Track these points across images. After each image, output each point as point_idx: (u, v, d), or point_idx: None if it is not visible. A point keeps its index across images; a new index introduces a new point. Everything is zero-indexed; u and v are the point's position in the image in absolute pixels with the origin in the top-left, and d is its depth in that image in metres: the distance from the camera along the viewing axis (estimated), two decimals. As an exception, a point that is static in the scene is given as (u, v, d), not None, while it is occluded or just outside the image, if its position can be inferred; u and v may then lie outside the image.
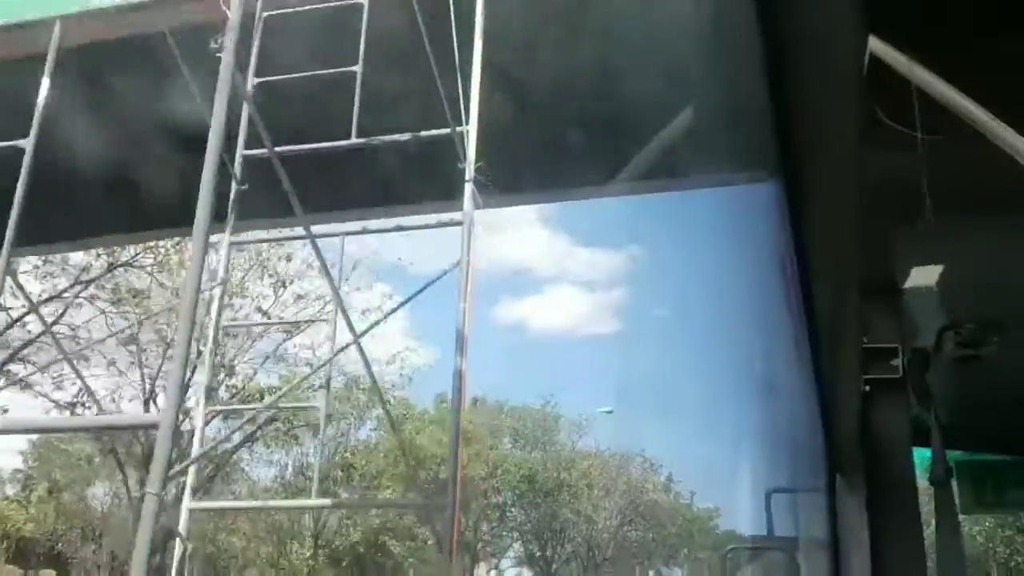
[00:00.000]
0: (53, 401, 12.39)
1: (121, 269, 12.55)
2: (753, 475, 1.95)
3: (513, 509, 23.77)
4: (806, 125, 1.31)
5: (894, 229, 1.46)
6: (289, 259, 14.83)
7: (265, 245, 13.32)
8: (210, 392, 13.91)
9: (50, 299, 11.96)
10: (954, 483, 1.63)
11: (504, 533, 24.62)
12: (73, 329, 12.38)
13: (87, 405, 12.34)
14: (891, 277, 1.54)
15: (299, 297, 15.18)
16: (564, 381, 27.87)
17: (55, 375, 11.99)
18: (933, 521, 1.64)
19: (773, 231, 1.48)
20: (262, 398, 14.52)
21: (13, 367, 11.89)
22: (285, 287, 15.03)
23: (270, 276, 14.74)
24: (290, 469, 19.12)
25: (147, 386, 14.01)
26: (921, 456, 1.67)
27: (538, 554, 26.08)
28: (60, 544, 16.42)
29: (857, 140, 1.19)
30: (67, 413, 12.19)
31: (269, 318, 14.81)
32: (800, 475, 1.87)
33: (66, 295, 12.33)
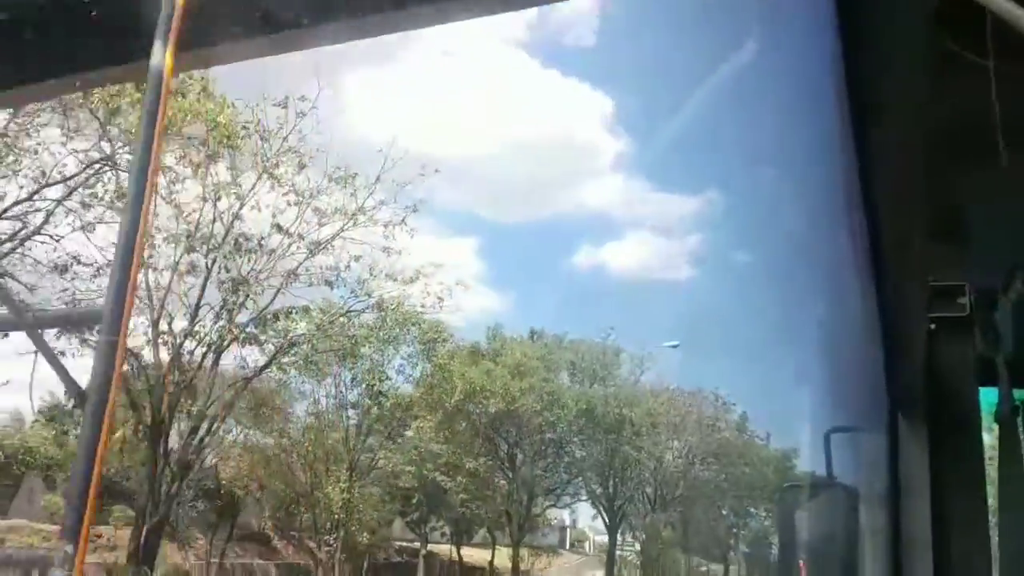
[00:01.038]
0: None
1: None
2: (813, 414, 2.14)
3: (571, 445, 24.71)
4: (874, 51, 1.40)
5: (964, 165, 1.55)
6: (302, 167, 14.89)
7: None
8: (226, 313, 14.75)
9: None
10: (1019, 422, 1.76)
11: (562, 469, 25.71)
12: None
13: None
14: (959, 215, 1.64)
15: (318, 212, 15.36)
16: (635, 322, 28.84)
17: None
18: (996, 461, 1.79)
19: (837, 168, 1.59)
20: (277, 319, 15.17)
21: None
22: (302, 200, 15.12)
23: (281, 187, 14.91)
24: (323, 400, 19.81)
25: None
26: (986, 396, 1.81)
27: (599, 491, 27.45)
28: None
29: (926, 68, 1.28)
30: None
31: (289, 235, 15.10)
32: (861, 415, 2.04)
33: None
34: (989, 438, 1.83)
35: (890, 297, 1.70)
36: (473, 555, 28.03)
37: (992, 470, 1.80)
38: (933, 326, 1.74)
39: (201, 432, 14.77)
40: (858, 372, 1.99)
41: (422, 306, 17.05)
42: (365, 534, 18.47)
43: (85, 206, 12.87)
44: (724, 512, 32.01)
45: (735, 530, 32.96)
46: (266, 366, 15.60)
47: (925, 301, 1.71)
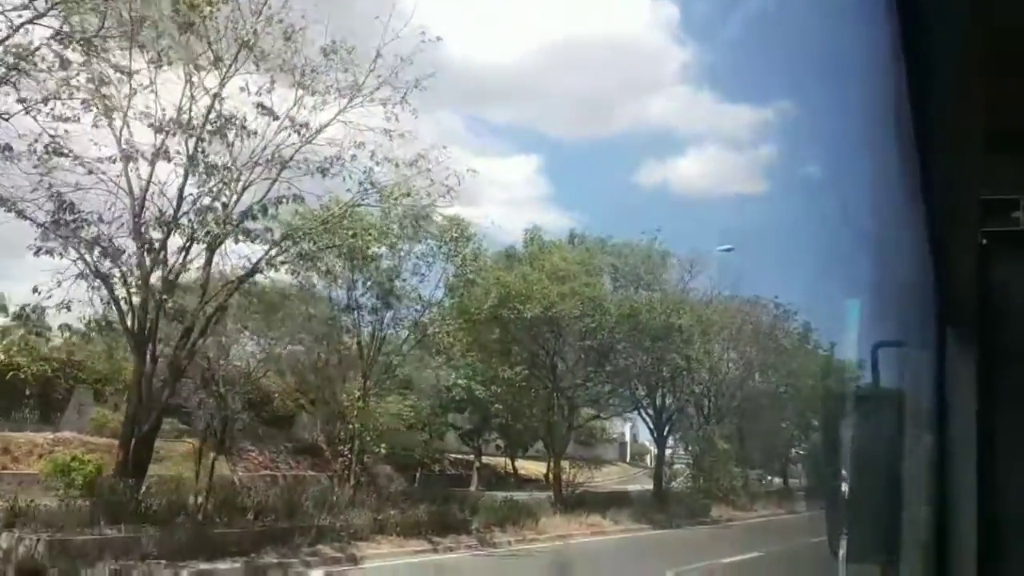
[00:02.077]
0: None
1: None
2: (863, 328, 2.32)
3: (614, 354, 25.32)
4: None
5: (1018, 74, 1.62)
6: (288, 38, 14.79)
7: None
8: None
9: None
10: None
11: (604, 378, 26.45)
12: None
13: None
14: (1011, 125, 1.73)
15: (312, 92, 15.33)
16: (692, 234, 29.56)
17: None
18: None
19: (888, 79, 1.68)
20: (265, 212, 15.17)
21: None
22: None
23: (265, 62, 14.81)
24: (336, 304, 20.39)
25: None
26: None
27: (646, 401, 28.39)
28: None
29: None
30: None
31: (276, 117, 15.07)
32: (910, 330, 2.22)
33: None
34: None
35: (941, 211, 1.83)
36: (528, 467, 30.92)
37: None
38: (984, 241, 1.87)
39: (194, 335, 15.04)
40: (907, 288, 2.14)
41: (428, 195, 16.89)
42: (382, 445, 19.33)
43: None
44: (784, 425, 33.10)
45: (796, 443, 34.18)
46: (258, 263, 15.77)
47: (976, 215, 1.83)
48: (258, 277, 16.32)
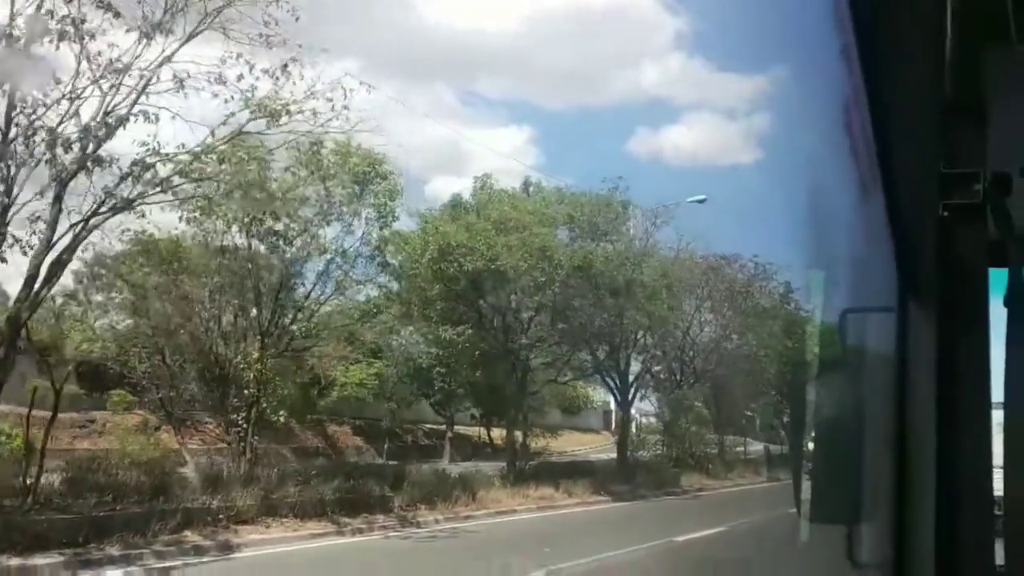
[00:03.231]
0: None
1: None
2: (829, 296, 2.63)
3: (569, 312, 25.90)
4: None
5: (980, 50, 1.89)
6: None
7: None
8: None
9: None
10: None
11: (557, 338, 27.01)
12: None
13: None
14: (974, 100, 2.00)
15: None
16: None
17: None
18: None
19: (847, 44, 1.93)
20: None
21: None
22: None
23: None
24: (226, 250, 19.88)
25: None
26: (997, 280, 2.28)
27: (608, 364, 29.12)
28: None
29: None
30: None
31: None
32: (874, 298, 2.54)
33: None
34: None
35: (901, 184, 2.11)
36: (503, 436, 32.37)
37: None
38: (945, 213, 2.15)
39: (38, 284, 14.66)
40: (871, 258, 2.44)
41: (313, 113, 16.34)
42: (281, 413, 19.64)
43: None
44: (764, 388, 34.62)
45: (777, 408, 35.76)
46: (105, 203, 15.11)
47: (937, 188, 2.11)
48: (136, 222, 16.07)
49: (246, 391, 18.77)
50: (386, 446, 27.62)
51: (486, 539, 17.23)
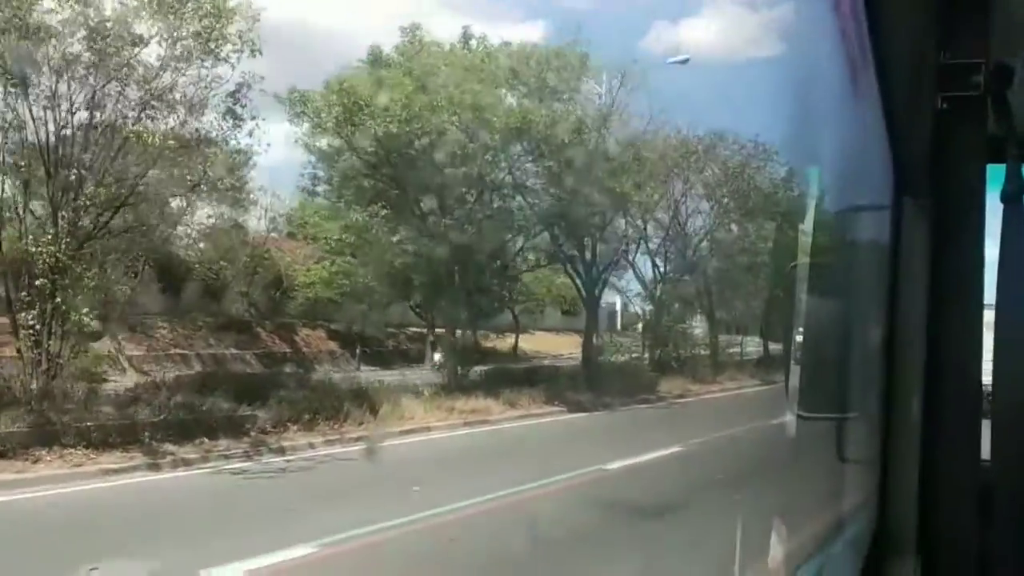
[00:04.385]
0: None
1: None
2: (822, 194, 3.12)
3: (511, 188, 26.45)
4: None
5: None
6: None
7: None
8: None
9: None
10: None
11: (498, 220, 27.32)
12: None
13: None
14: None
15: None
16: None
17: None
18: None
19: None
20: None
21: None
22: None
23: None
24: None
25: None
26: (994, 176, 2.78)
27: (570, 253, 29.87)
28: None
29: None
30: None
31: None
32: (866, 193, 3.05)
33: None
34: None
35: (898, 76, 2.56)
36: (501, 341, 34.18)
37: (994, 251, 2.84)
38: (944, 106, 2.62)
39: None
40: (866, 153, 2.94)
41: None
42: (84, 312, 19.64)
43: None
44: (763, 283, 35.86)
45: (778, 304, 37.03)
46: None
47: (936, 80, 2.57)
48: None
49: (40, 281, 17.70)
50: (358, 351, 29.45)
51: (348, 472, 16.86)
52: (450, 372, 25.66)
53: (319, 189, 26.12)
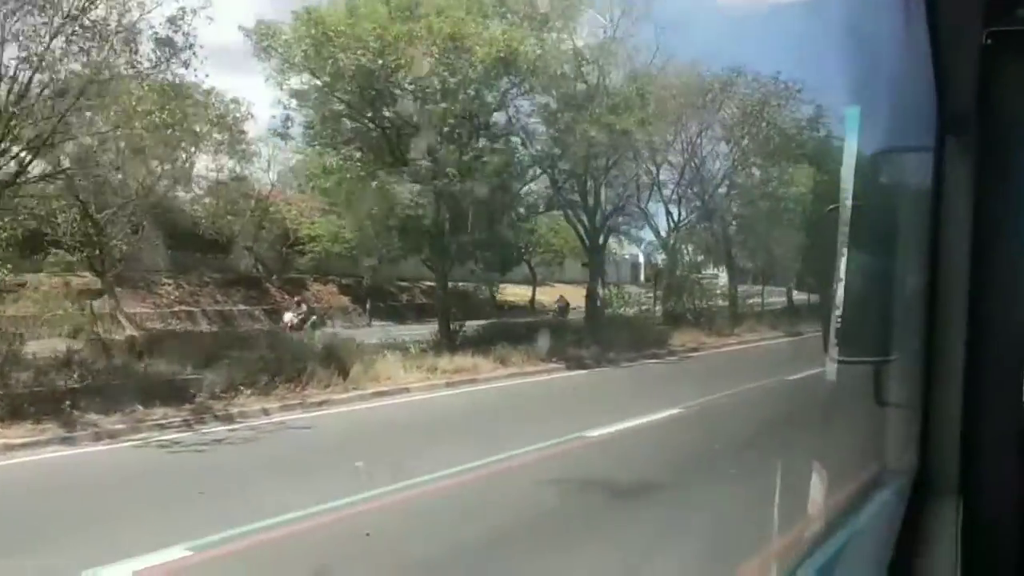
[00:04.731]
0: None
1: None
2: (864, 135, 3.38)
3: (496, 128, 26.37)
4: None
5: None
6: None
7: None
8: None
9: None
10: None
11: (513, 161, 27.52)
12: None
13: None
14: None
15: None
16: None
17: None
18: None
19: None
20: None
21: None
22: None
23: None
24: None
25: None
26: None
27: (570, 197, 30.11)
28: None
29: None
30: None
31: None
32: (910, 136, 3.31)
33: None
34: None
35: (942, 10, 2.75)
36: (519, 293, 36.11)
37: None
38: (989, 41, 2.84)
39: None
40: (909, 92, 3.20)
41: None
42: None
43: None
44: (788, 230, 36.36)
45: (804, 252, 37.78)
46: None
47: (981, 13, 2.77)
48: None
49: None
50: (368, 306, 31.01)
51: (294, 442, 16.38)
52: (441, 328, 26.05)
53: (293, 132, 26.16)
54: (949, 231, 3.17)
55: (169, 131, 20.57)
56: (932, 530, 3.13)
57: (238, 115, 23.49)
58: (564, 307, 34.15)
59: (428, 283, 32.93)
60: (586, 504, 11.71)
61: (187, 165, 22.42)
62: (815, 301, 36.39)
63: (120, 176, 20.73)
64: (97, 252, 19.99)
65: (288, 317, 25.43)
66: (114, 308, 21.87)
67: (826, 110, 32.67)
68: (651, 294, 36.14)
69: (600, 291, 32.53)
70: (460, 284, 33.17)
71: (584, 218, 30.71)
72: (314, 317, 25.29)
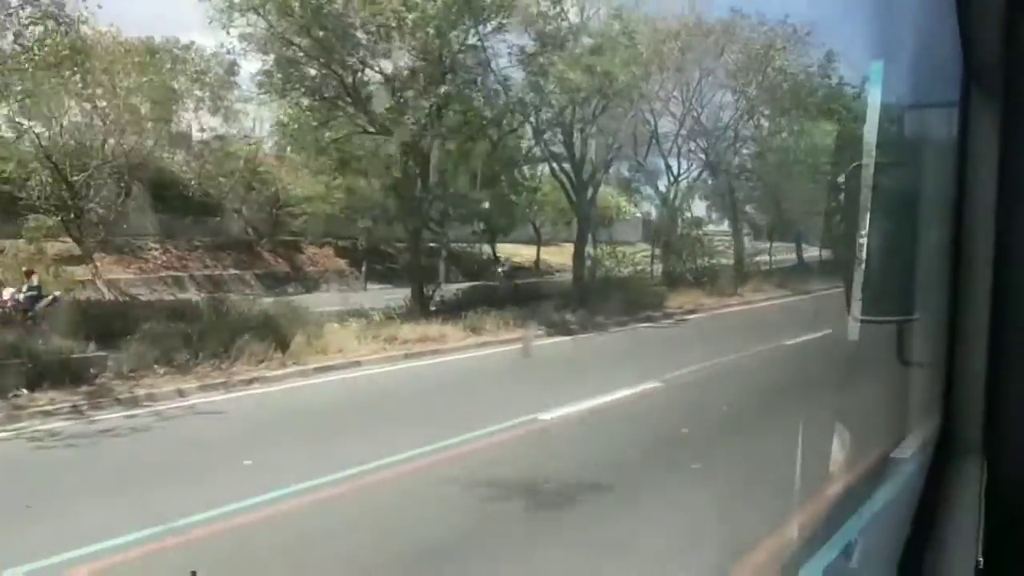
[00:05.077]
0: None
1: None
2: (887, 91, 3.66)
3: (461, 69, 26.45)
4: None
5: None
6: None
7: None
8: None
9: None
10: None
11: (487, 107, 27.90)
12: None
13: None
14: None
15: None
16: None
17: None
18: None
19: None
20: None
21: None
22: None
23: None
24: None
25: None
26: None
27: (555, 148, 30.44)
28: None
29: None
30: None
31: None
32: (935, 91, 3.58)
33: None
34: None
35: None
36: (523, 253, 37.69)
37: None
38: None
39: None
40: (934, 46, 3.48)
41: None
42: None
43: None
44: (799, 183, 36.87)
45: (815, 207, 38.35)
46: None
47: None
48: None
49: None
50: (363, 269, 32.31)
51: (194, 432, 15.44)
52: (414, 292, 26.59)
53: (239, 80, 26.39)
54: (974, 186, 3.42)
55: (145, 88, 21.70)
56: (955, 490, 3.41)
57: (220, 72, 24.84)
58: (510, 270, 34.45)
59: (432, 245, 33.95)
60: (514, 507, 10.74)
61: (168, 124, 23.36)
62: (827, 258, 37.13)
63: (101, 138, 21.76)
64: (72, 216, 21.19)
65: (8, 294, 21.92)
66: (94, 274, 22.83)
67: (838, 56, 33.16)
68: (648, 253, 36.58)
69: (591, 251, 33.16)
70: (459, 245, 34.62)
71: (571, 169, 31.06)
72: (50, 296, 21.70)
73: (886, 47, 3.59)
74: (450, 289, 29.14)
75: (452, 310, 25.98)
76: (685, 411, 15.76)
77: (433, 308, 26.43)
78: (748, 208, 38.80)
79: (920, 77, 3.72)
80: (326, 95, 25.09)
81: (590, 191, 31.70)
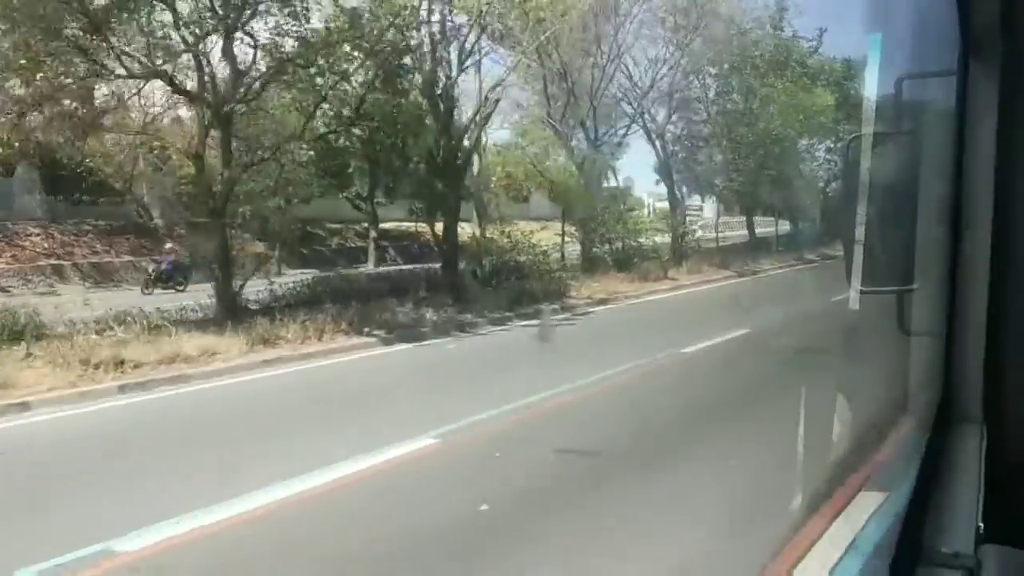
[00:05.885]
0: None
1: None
2: (884, 60, 4.41)
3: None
4: None
5: None
6: None
7: None
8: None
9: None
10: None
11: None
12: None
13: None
14: None
15: None
16: None
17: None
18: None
19: None
20: None
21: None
22: None
23: None
24: None
25: None
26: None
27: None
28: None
29: None
30: None
31: None
32: (933, 60, 4.22)
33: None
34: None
35: None
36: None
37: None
38: None
39: None
40: (931, 13, 4.13)
41: None
42: None
43: None
44: (790, 153, 38.25)
45: (807, 178, 39.86)
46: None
47: None
48: None
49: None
50: (276, 253, 34.08)
51: None
52: (217, 290, 27.09)
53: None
54: (973, 158, 4.09)
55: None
56: (955, 458, 4.05)
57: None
58: (171, 269, 31.64)
59: (365, 225, 36.88)
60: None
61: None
62: (789, 231, 38.40)
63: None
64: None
65: None
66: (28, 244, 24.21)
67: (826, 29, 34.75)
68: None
69: (476, 231, 35.43)
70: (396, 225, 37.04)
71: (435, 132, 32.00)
72: None
73: (883, 15, 4.29)
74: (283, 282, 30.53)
75: (270, 311, 26.57)
76: (490, 475, 13.98)
77: (256, 307, 27.26)
78: (684, 176, 39.84)
79: (916, 46, 4.44)
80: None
81: (460, 156, 32.83)
